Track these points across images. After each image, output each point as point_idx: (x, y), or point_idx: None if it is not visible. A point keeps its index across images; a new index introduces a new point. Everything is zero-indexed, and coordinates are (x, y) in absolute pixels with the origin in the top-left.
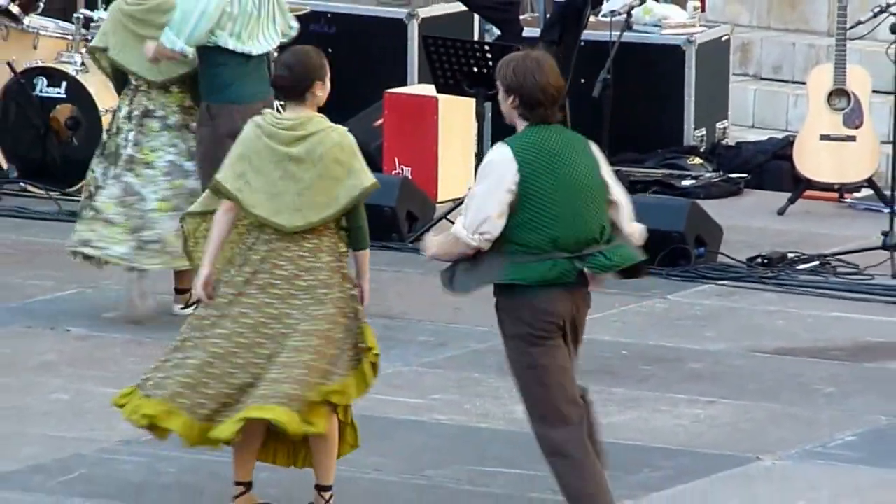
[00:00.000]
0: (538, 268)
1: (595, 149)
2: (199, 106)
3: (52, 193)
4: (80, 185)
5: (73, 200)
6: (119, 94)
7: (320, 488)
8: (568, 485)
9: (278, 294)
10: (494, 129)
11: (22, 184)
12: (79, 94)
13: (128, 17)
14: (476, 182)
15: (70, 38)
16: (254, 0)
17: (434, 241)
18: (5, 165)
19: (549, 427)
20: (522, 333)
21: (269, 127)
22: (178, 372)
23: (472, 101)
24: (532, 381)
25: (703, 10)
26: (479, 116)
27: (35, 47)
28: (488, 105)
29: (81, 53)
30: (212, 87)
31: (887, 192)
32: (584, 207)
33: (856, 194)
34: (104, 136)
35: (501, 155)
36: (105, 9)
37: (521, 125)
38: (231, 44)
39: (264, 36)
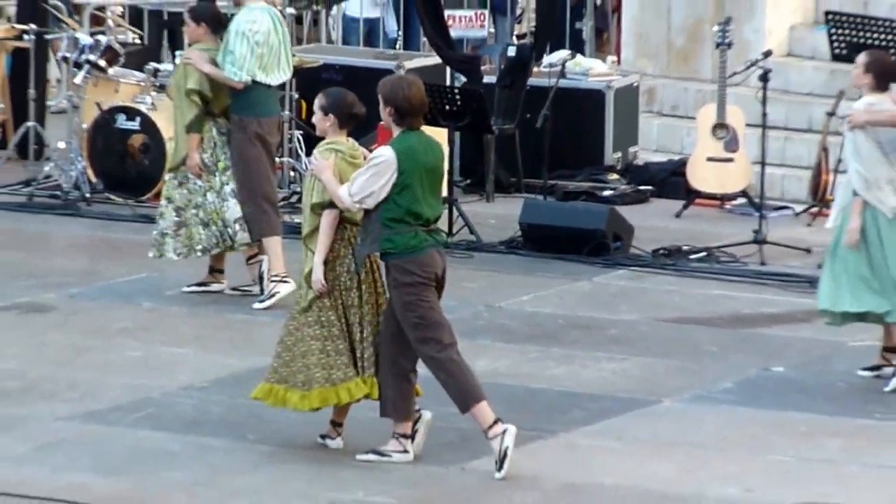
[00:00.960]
0: (404, 238)
1: (443, 150)
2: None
3: (128, 201)
4: (150, 195)
5: (144, 206)
6: (200, 122)
7: (336, 423)
8: (462, 381)
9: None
10: (462, 152)
11: (106, 194)
12: (149, 126)
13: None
14: (366, 167)
15: (143, 84)
16: (277, 37)
17: (329, 175)
18: (94, 180)
19: (442, 347)
20: (414, 281)
21: (349, 152)
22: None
23: (445, 130)
24: (427, 312)
25: (618, 63)
26: (450, 142)
27: (117, 91)
28: (457, 134)
29: (152, 95)
30: (243, 104)
31: (757, 200)
32: (436, 194)
33: (733, 202)
34: (203, 157)
35: (388, 156)
36: (171, 61)
37: (395, 130)
38: (260, 76)
39: (281, 70)
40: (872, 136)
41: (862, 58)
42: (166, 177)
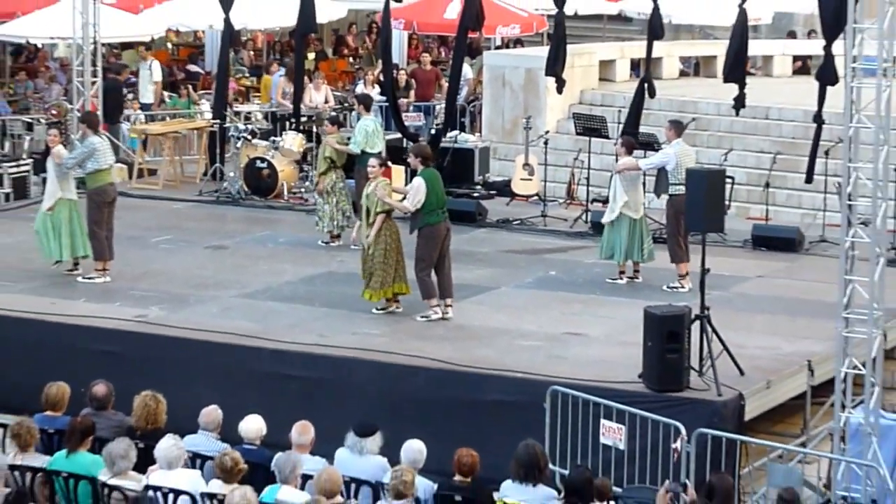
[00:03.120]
0: (432, 217)
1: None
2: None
3: (260, 199)
4: (271, 196)
5: (269, 202)
6: (326, 170)
7: (393, 300)
8: (429, 287)
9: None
10: (409, 179)
11: (251, 195)
12: (271, 165)
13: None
14: (412, 189)
15: (268, 146)
16: (377, 131)
17: (389, 199)
18: (246, 189)
19: (423, 269)
20: (428, 239)
21: (392, 185)
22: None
23: (402, 168)
24: (427, 254)
25: (481, 136)
26: (405, 173)
27: (256, 149)
28: (408, 170)
29: (272, 151)
30: (361, 163)
31: (542, 197)
32: (443, 193)
33: (532, 199)
34: (327, 186)
35: (421, 181)
36: (281, 136)
37: (420, 167)
38: (367, 149)
39: (378, 146)
40: (623, 177)
41: (619, 140)
42: (316, 195)
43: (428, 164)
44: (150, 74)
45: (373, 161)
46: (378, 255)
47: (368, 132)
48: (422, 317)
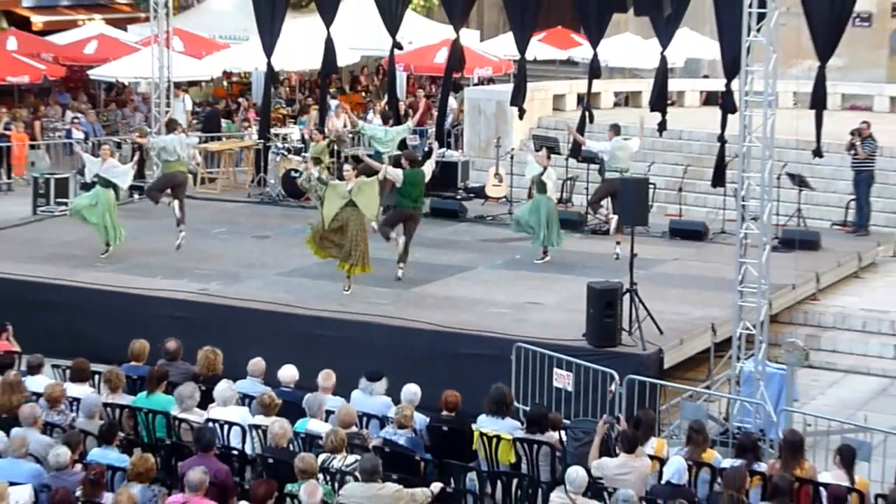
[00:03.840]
0: (402, 201)
1: (424, 173)
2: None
3: (294, 200)
4: (301, 199)
5: (301, 203)
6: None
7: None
8: (403, 252)
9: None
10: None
11: (287, 198)
12: (300, 173)
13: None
14: (396, 175)
15: (300, 161)
16: (386, 134)
17: (379, 168)
18: (283, 193)
19: (386, 228)
20: (397, 210)
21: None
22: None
23: (399, 172)
24: (391, 220)
25: (462, 152)
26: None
27: (290, 162)
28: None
29: (303, 164)
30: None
31: (509, 199)
32: (416, 192)
33: (501, 200)
34: (319, 182)
35: (401, 172)
36: (306, 154)
37: (408, 168)
38: (381, 149)
39: (391, 146)
40: (547, 176)
41: (543, 152)
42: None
43: (414, 166)
44: (184, 106)
45: (347, 166)
46: (354, 236)
47: (371, 132)
48: (396, 279)
